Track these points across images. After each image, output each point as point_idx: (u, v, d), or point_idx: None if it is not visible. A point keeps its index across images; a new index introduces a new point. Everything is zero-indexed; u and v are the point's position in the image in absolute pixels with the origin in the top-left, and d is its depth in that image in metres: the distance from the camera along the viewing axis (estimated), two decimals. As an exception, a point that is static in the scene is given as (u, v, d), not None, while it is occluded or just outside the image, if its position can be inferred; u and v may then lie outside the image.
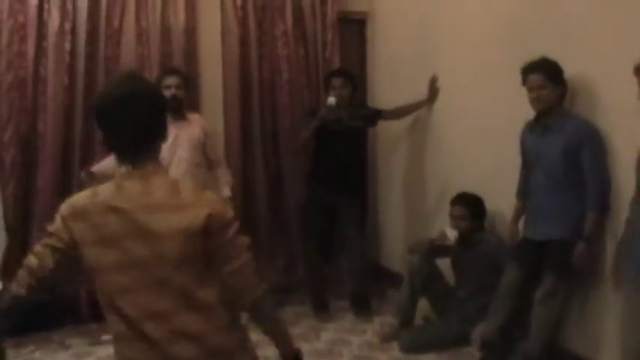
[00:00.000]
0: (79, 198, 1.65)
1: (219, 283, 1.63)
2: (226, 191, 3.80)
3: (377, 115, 4.37)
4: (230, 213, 1.63)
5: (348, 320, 4.16)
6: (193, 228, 1.55)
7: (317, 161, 4.26)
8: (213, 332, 1.63)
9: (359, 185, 4.50)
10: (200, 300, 1.60)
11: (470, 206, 3.61)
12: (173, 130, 3.61)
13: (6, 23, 3.90)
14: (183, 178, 3.58)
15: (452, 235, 3.61)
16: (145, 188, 1.58)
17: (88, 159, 4.16)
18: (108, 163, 3.68)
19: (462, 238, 3.62)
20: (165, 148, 3.55)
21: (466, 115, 3.94)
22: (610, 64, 2.89)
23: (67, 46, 4.04)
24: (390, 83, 4.78)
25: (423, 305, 3.92)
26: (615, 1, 2.92)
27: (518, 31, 3.47)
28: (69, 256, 1.64)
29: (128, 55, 4.21)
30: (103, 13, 4.13)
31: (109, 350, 3.68)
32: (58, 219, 1.67)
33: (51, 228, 1.67)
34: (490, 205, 3.64)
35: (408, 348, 3.62)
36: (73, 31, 4.06)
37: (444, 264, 3.84)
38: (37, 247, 1.68)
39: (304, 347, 3.65)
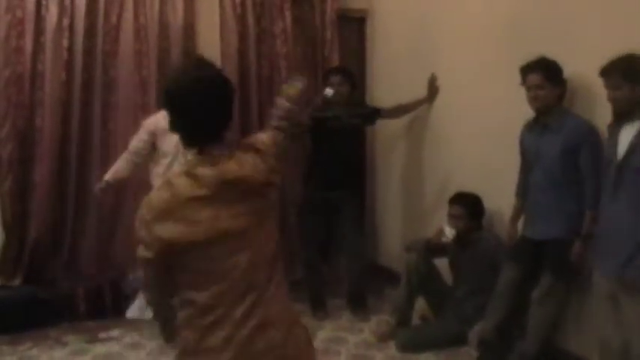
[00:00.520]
0: (158, 198, 1.62)
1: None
2: None
3: (376, 113, 4.36)
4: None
5: (345, 319, 4.15)
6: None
7: (315, 159, 4.25)
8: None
9: (357, 184, 4.48)
10: (279, 272, 1.67)
11: (468, 205, 3.61)
12: None
13: (4, 18, 3.90)
14: None
15: (449, 233, 3.61)
16: (218, 172, 1.59)
17: (85, 155, 4.16)
18: (119, 166, 3.68)
19: (460, 238, 3.62)
20: (172, 143, 3.60)
21: (465, 114, 3.93)
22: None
23: (65, 41, 4.04)
24: (389, 82, 4.77)
25: (421, 304, 3.91)
26: (613, 1, 2.91)
27: (517, 30, 3.47)
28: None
29: (126, 51, 4.21)
30: (101, 9, 4.13)
31: (106, 347, 3.71)
32: (142, 229, 1.61)
33: (144, 252, 1.63)
34: (489, 204, 3.64)
35: (405, 347, 3.62)
36: (71, 26, 4.05)
37: (442, 263, 3.83)
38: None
39: (301, 346, 3.68)
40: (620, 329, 2.64)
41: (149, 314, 3.87)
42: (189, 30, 4.35)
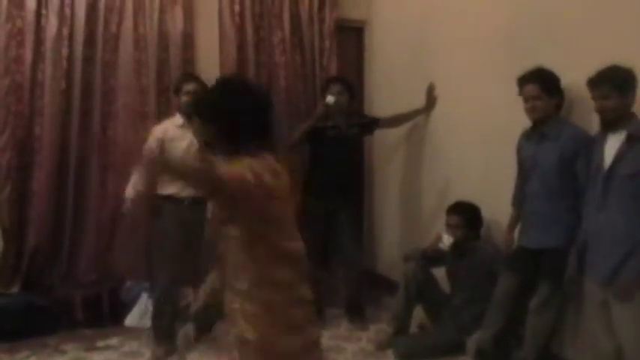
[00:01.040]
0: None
1: None
2: None
3: (374, 123, 4.38)
4: None
5: (344, 327, 4.15)
6: None
7: (313, 169, 4.26)
8: None
9: (355, 193, 4.50)
10: None
11: (466, 215, 3.62)
12: (189, 135, 3.62)
13: (3, 28, 3.92)
14: None
15: (447, 240, 3.62)
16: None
17: (84, 163, 4.17)
18: (136, 180, 3.66)
19: (458, 247, 3.63)
20: (179, 151, 3.61)
21: (463, 123, 3.95)
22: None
23: (65, 51, 4.06)
24: (388, 91, 4.79)
25: (419, 313, 3.92)
26: (611, 10, 2.94)
27: (515, 39, 3.49)
28: None
29: (125, 60, 4.22)
30: (101, 19, 4.15)
31: (104, 356, 3.71)
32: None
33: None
34: (487, 213, 3.65)
35: (403, 355, 3.62)
36: (71, 36, 4.07)
37: (440, 273, 3.84)
38: None
39: (299, 354, 3.68)
40: (612, 336, 2.67)
41: (147, 322, 3.88)
42: (189, 39, 4.37)
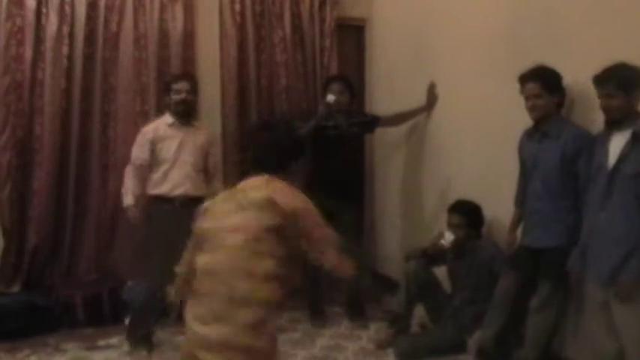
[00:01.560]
0: None
1: None
2: None
3: (375, 121, 4.38)
4: None
5: (344, 326, 4.16)
6: None
7: (314, 168, 4.25)
8: None
9: (356, 192, 4.50)
10: None
11: (467, 214, 3.61)
12: (180, 134, 3.62)
13: (4, 26, 3.93)
14: (183, 182, 3.57)
15: (448, 237, 3.62)
16: None
17: (84, 162, 4.17)
18: (132, 186, 3.66)
19: (459, 246, 3.62)
20: (171, 150, 3.60)
21: (464, 122, 3.94)
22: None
23: (65, 49, 4.06)
24: (388, 90, 4.78)
25: (420, 312, 3.92)
26: (612, 9, 2.93)
27: (516, 38, 3.48)
28: None
29: (125, 59, 4.22)
30: (101, 17, 4.15)
31: (105, 355, 3.71)
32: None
33: None
34: (488, 212, 3.64)
35: (404, 355, 3.62)
36: (71, 34, 4.08)
37: (441, 272, 3.84)
38: None
39: (300, 353, 3.68)
40: (613, 336, 2.65)
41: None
42: (189, 38, 4.37)
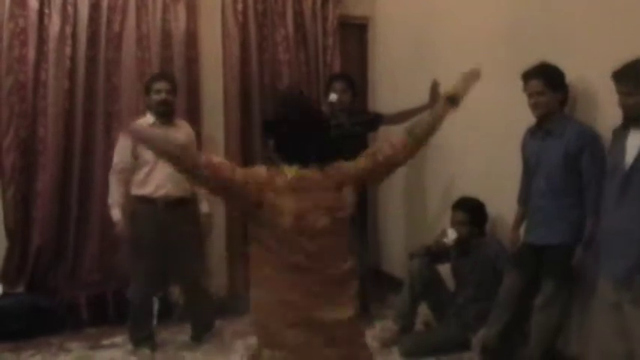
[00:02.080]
0: None
1: None
2: (205, 207, 3.81)
3: (378, 119, 4.37)
4: None
5: (348, 325, 4.14)
6: None
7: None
8: None
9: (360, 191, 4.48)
10: None
11: (471, 211, 3.61)
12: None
13: (6, 27, 3.92)
14: (165, 183, 3.57)
15: (451, 234, 3.61)
16: None
17: (88, 163, 4.17)
18: (118, 195, 3.65)
19: (463, 244, 3.62)
20: (151, 152, 3.58)
21: (467, 120, 3.90)
22: (609, 70, 2.86)
23: (68, 50, 4.06)
24: (391, 88, 4.78)
25: (424, 310, 3.91)
26: (614, 7, 2.92)
27: (518, 35, 3.48)
28: None
29: (128, 59, 4.22)
30: (104, 18, 4.15)
31: (110, 354, 3.72)
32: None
33: None
34: (491, 210, 3.64)
35: (408, 353, 3.61)
36: (74, 35, 4.07)
37: (445, 270, 3.83)
38: None
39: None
40: (624, 338, 2.60)
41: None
42: (192, 38, 4.36)
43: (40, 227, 4.06)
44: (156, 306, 3.83)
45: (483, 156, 3.79)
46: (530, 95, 3.09)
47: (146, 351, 3.66)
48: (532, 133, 3.22)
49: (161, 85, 3.65)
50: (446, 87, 4.10)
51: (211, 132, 4.43)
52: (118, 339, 3.83)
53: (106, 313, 4.08)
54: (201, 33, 4.42)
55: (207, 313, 3.91)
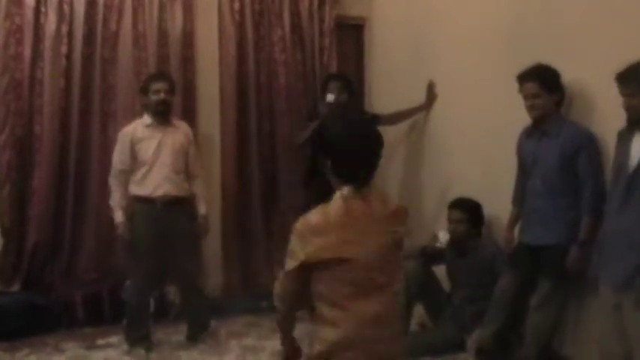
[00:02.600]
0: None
1: None
2: (202, 209, 3.81)
3: (374, 120, 4.36)
4: None
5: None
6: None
7: (315, 166, 4.25)
8: None
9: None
10: None
11: (468, 211, 3.61)
12: (158, 135, 3.61)
13: (2, 25, 3.92)
14: (163, 183, 3.57)
15: (443, 237, 3.61)
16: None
17: (83, 161, 4.17)
18: (120, 198, 3.65)
19: (459, 244, 3.62)
20: (149, 152, 3.59)
21: (464, 120, 3.94)
22: (606, 71, 2.87)
23: (64, 48, 4.05)
24: (388, 88, 4.78)
25: (419, 311, 3.91)
26: (612, 9, 2.93)
27: (515, 37, 3.48)
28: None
29: (125, 58, 4.22)
30: (100, 16, 4.14)
31: (105, 354, 3.71)
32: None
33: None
34: (487, 211, 3.64)
35: (404, 354, 3.61)
36: (70, 33, 4.07)
37: (440, 271, 3.83)
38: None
39: (300, 352, 3.68)
40: (622, 340, 2.59)
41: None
42: (188, 37, 4.36)
43: (36, 225, 4.05)
44: (151, 306, 3.83)
45: (480, 156, 3.79)
46: (526, 97, 3.10)
47: (141, 351, 3.65)
48: (528, 133, 3.23)
49: (160, 85, 3.65)
50: (442, 87, 4.14)
51: (207, 131, 4.43)
52: (114, 339, 3.82)
53: (101, 311, 4.08)
54: (198, 32, 4.42)
55: (203, 313, 3.91)
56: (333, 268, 1.83)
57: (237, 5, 4.46)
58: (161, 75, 3.88)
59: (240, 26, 4.49)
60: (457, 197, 3.71)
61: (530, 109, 3.10)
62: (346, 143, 1.98)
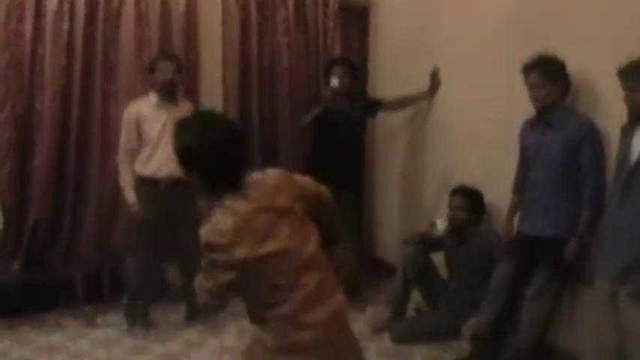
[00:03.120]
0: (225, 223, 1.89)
1: None
2: None
3: (377, 105, 4.36)
4: None
5: (341, 309, 4.17)
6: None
7: (315, 150, 4.26)
8: None
9: (357, 175, 4.49)
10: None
11: (469, 198, 3.61)
12: (163, 115, 3.61)
13: (3, 1, 3.86)
14: (167, 163, 3.56)
15: (441, 225, 3.63)
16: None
17: (84, 140, 4.15)
18: (130, 178, 3.65)
19: (459, 231, 3.64)
20: (155, 131, 3.58)
21: (467, 107, 3.93)
22: (611, 62, 2.86)
23: (65, 26, 4.00)
24: (391, 74, 4.75)
25: (416, 297, 3.94)
26: (617, -1, 2.91)
27: (520, 25, 3.46)
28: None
29: (127, 36, 4.17)
30: (102, -6, 4.09)
31: (104, 332, 3.74)
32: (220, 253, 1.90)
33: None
34: (488, 200, 3.65)
35: (399, 338, 3.65)
36: (72, 11, 4.02)
37: (438, 258, 3.86)
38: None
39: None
40: (617, 331, 2.62)
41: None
42: (191, 17, 4.31)
43: (36, 204, 4.05)
44: (157, 285, 3.85)
45: (482, 143, 3.79)
46: (530, 88, 3.08)
47: (140, 330, 3.68)
48: (531, 124, 3.22)
49: (167, 64, 3.64)
50: (446, 74, 4.12)
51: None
52: (113, 317, 3.86)
53: (101, 291, 4.10)
54: (201, 12, 4.36)
55: None
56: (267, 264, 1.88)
57: (241, -15, 4.41)
58: (168, 54, 3.86)
59: (244, 7, 4.43)
60: (459, 184, 3.72)
61: (535, 100, 3.08)
62: (211, 153, 1.90)
